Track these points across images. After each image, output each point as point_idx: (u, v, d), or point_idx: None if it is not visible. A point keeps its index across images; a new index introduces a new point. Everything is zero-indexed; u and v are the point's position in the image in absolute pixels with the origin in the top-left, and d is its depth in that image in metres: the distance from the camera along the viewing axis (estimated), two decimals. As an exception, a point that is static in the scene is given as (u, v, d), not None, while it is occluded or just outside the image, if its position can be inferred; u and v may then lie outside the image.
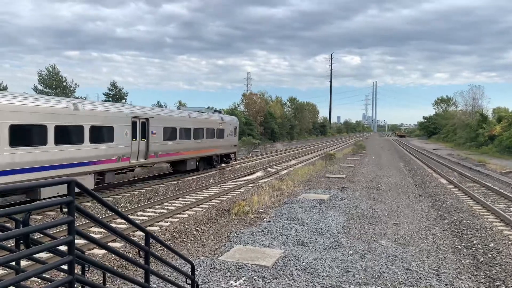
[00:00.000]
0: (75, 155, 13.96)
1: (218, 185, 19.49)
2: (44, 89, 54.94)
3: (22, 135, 12.02)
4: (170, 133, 19.94)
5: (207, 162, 24.99)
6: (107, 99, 63.06)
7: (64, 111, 13.60)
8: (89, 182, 14.57)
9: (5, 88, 49.60)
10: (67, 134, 13.70)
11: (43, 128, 12.68)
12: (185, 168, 22.11)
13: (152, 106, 26.49)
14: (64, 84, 56.70)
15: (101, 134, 15.25)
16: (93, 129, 14.76)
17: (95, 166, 15.00)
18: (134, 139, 17.13)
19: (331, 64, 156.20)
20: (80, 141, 14.22)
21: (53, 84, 55.16)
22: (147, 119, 18.10)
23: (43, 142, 12.71)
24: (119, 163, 16.35)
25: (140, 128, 17.60)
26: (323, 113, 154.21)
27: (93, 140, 14.77)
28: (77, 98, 44.46)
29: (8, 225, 3.45)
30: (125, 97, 67.13)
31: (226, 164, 27.96)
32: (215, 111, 30.17)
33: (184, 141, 21.23)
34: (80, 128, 14.21)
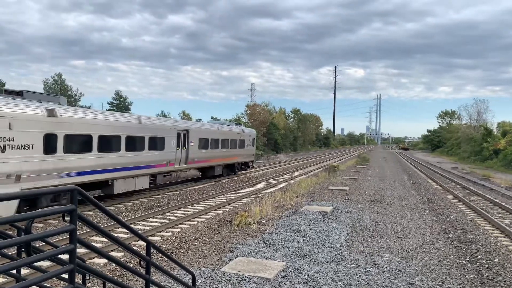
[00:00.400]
0: (138, 160, 17.20)
1: (221, 196, 19.44)
2: None
3: (105, 143, 15.29)
4: (203, 143, 23.40)
5: (230, 169, 28.22)
6: (111, 108, 63.42)
7: (132, 125, 17.02)
8: (145, 182, 17.94)
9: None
10: (134, 143, 17.01)
11: (118, 138, 16.08)
12: (213, 174, 25.34)
13: (186, 120, 31.10)
14: (69, 93, 57.16)
15: (156, 143, 18.55)
16: (151, 139, 18.11)
17: (151, 169, 18.31)
18: (177, 148, 20.39)
19: (335, 76, 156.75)
20: (142, 148, 17.51)
21: (59, 92, 55.64)
22: (187, 131, 21.52)
23: (118, 149, 16.05)
24: (167, 167, 19.63)
25: (182, 138, 20.91)
26: (326, 125, 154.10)
27: (151, 148, 18.09)
28: (84, 107, 44.90)
29: (10, 232, 3.44)
30: (129, 107, 67.51)
31: (243, 172, 31.10)
32: (236, 124, 33.41)
33: (213, 150, 24.66)
34: (142, 138, 17.54)
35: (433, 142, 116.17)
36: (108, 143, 15.45)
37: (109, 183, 15.74)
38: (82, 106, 48.46)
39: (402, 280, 7.93)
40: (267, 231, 11.75)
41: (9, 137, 11.47)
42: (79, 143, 14.13)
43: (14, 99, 12.48)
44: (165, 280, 7.16)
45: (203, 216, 14.59)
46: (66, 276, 3.03)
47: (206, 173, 25.53)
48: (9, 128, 11.46)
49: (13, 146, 11.62)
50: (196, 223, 13.33)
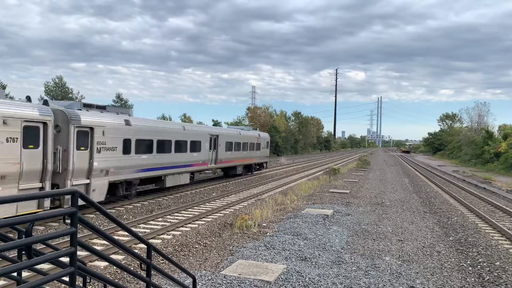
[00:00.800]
0: (183, 160, 20.99)
1: (221, 199, 19.44)
2: (50, 100, 55.39)
3: (161, 146, 18.84)
4: (229, 146, 26.91)
5: (247, 169, 31.67)
6: (112, 111, 63.36)
7: (178, 131, 20.91)
8: (186, 179, 21.89)
9: (11, 99, 50.03)
10: (180, 146, 20.63)
11: (169, 142, 19.71)
12: (234, 172, 29.15)
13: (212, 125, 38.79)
14: (70, 95, 57.27)
15: (195, 146, 22.26)
16: (192, 142, 21.83)
17: (191, 167, 22.20)
18: (210, 150, 24.12)
19: (336, 79, 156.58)
20: (185, 150, 21.25)
21: (59, 95, 55.74)
22: (217, 136, 25.20)
23: (169, 151, 19.71)
24: (202, 166, 23.56)
25: (213, 142, 24.58)
26: (327, 127, 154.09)
27: (191, 150, 21.77)
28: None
29: (10, 235, 3.45)
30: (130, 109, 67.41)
31: (258, 172, 34.55)
32: (253, 129, 37.26)
33: (236, 152, 28.41)
34: (185, 142, 21.28)
35: (434, 145, 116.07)
36: (162, 146, 19.08)
37: (162, 178, 19.47)
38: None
39: (403, 283, 7.92)
40: (268, 234, 11.74)
41: (103, 142, 14.85)
42: (144, 146, 17.70)
43: (102, 112, 15.47)
44: (166, 283, 7.16)
45: (204, 218, 14.58)
46: (66, 279, 3.04)
47: (229, 172, 29.17)
48: (103, 134, 14.79)
49: (105, 148, 14.98)
50: (196, 226, 13.33)
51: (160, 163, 18.79)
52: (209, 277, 7.65)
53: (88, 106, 15.05)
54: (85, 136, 14.10)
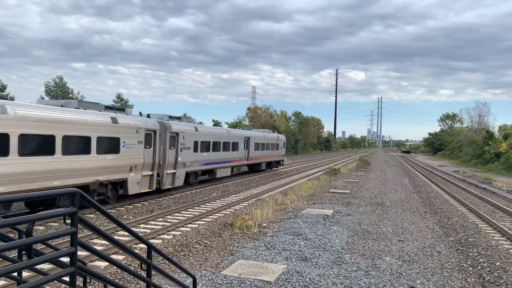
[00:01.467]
0: (227, 157, 27.16)
1: (222, 199, 19.44)
2: (51, 100, 55.45)
3: (214, 146, 24.85)
4: (256, 146, 33.06)
5: (268, 166, 37.55)
6: (113, 111, 63.43)
7: (225, 134, 27.19)
8: (228, 172, 28.02)
9: (12, 99, 50.12)
10: (226, 146, 26.82)
11: (219, 143, 25.76)
12: (259, 168, 35.18)
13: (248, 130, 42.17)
14: (71, 95, 57.27)
15: (235, 146, 28.39)
16: (233, 143, 28.02)
17: (231, 163, 28.35)
18: (243, 149, 30.30)
19: (336, 79, 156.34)
20: (229, 149, 27.32)
21: (60, 95, 55.74)
22: (249, 138, 31.19)
23: (219, 149, 25.76)
24: (239, 162, 29.93)
25: (246, 143, 30.68)
26: (327, 127, 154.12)
27: (233, 149, 28.00)
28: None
29: (11, 235, 3.45)
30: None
31: (276, 168, 40.08)
32: (273, 131, 43.62)
33: (262, 151, 34.50)
34: (229, 143, 27.34)
35: (434, 145, 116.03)
36: (215, 146, 25.09)
37: (214, 171, 25.63)
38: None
39: (403, 283, 7.92)
40: (268, 234, 11.74)
41: (183, 143, 20.71)
42: (205, 146, 23.71)
43: (180, 121, 21.82)
44: (166, 283, 7.16)
45: (204, 219, 14.58)
46: (67, 279, 3.04)
47: (254, 168, 35.04)
48: (183, 138, 20.69)
49: (184, 148, 20.92)
50: (197, 226, 13.33)
51: (214, 159, 25.06)
52: (210, 277, 7.65)
53: (171, 118, 21.11)
54: (174, 139, 20.08)
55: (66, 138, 13.25)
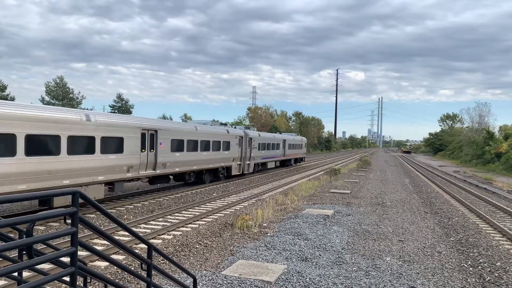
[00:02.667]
0: (274, 153, 37.89)
1: (222, 199, 19.44)
2: (51, 100, 55.49)
3: (268, 146, 36.07)
4: (288, 146, 43.78)
5: (295, 162, 47.88)
6: (113, 111, 63.55)
7: (272, 138, 38.20)
8: (272, 165, 38.52)
9: (12, 99, 50.14)
10: (273, 146, 37.33)
11: (270, 144, 36.23)
12: (289, 164, 45.76)
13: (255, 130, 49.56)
14: (71, 95, 57.24)
15: (278, 146, 39.38)
16: (277, 144, 39.00)
17: (275, 158, 39.25)
18: (283, 148, 41.57)
19: (337, 79, 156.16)
20: (274, 149, 37.95)
21: (60, 95, 55.72)
22: (285, 140, 42.22)
23: (269, 148, 36.17)
24: (279, 157, 40.55)
25: (284, 143, 41.82)
26: (328, 128, 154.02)
27: (276, 148, 38.98)
28: (86, 109, 45.49)
29: (11, 235, 3.45)
30: (131, 110, 67.64)
31: (299, 163, 50.70)
32: (298, 135, 56.40)
33: (292, 150, 45.29)
34: (275, 144, 38.06)
35: (434, 145, 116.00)
36: (268, 146, 36.00)
37: (266, 164, 36.30)
38: (84, 109, 48.61)
39: (404, 283, 7.91)
40: (269, 234, 11.74)
41: (253, 144, 31.45)
42: (263, 146, 34.38)
43: (248, 129, 33.51)
44: (167, 283, 7.16)
45: (204, 219, 14.58)
46: (67, 278, 3.04)
47: (285, 163, 44.83)
48: (253, 141, 31.61)
49: (254, 147, 31.65)
50: (197, 226, 13.33)
51: (267, 155, 35.88)
52: (210, 277, 7.65)
53: (246, 128, 33.02)
54: (250, 142, 30.79)
55: (203, 142, 23.35)
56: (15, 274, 3.37)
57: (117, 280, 7.50)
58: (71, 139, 13.77)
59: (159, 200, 18.35)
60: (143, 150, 17.74)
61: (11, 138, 11.78)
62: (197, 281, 6.46)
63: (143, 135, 17.69)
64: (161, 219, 14.24)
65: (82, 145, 14.38)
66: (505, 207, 18.96)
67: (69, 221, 2.93)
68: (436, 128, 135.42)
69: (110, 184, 16.32)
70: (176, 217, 14.66)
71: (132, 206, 16.51)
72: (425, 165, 58.82)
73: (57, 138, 13.28)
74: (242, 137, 29.46)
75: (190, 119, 66.23)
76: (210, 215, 15.23)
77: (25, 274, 6.21)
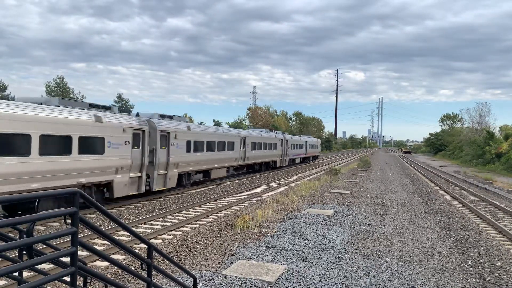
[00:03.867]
0: (300, 151, 49.30)
1: (222, 199, 19.44)
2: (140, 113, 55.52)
3: (295, 147, 45.85)
4: (309, 146, 53.56)
5: (313, 158, 58.88)
6: (113, 111, 63.47)
7: (299, 140, 49.38)
8: (298, 160, 49.17)
9: (12, 99, 50.13)
10: (300, 146, 49.06)
11: (300, 145, 49.05)
12: (309, 160, 56.10)
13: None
14: (71, 95, 57.27)
15: (302, 146, 50.13)
16: (302, 145, 49.80)
17: (302, 155, 50.30)
18: (304, 148, 50.72)
19: (337, 79, 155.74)
20: (301, 148, 49.78)
21: (60, 95, 55.72)
22: (306, 142, 52.02)
23: (300, 148, 49.06)
24: (303, 155, 50.92)
25: (306, 144, 50.95)
26: (328, 128, 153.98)
27: (301, 148, 49.51)
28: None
29: (11, 235, 3.45)
30: (131, 110, 67.67)
31: (314, 160, 60.63)
32: (314, 137, 66.88)
33: (310, 149, 54.41)
34: (301, 144, 49.44)
35: (435, 145, 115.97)
36: (295, 146, 45.36)
37: (294, 160, 46.10)
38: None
39: (404, 283, 7.91)
40: (269, 234, 11.74)
41: (275, 143, 38.91)
42: (294, 146, 45.00)
43: (283, 134, 43.28)
44: (167, 283, 7.16)
45: (204, 219, 14.58)
46: (67, 278, 3.04)
47: (306, 160, 54.44)
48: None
49: (289, 148, 43.95)
50: (197, 226, 13.33)
51: (295, 153, 45.77)
52: (210, 277, 7.65)
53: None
54: (286, 143, 39.60)
55: (265, 144, 33.18)
56: (16, 274, 3.37)
57: (117, 280, 7.50)
58: (218, 143, 24.49)
59: (159, 200, 18.35)
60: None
61: (202, 143, 21.69)
62: (197, 281, 6.46)
63: (240, 140, 29.66)
64: (161, 219, 14.24)
65: (222, 145, 24.83)
66: (505, 207, 18.95)
67: (69, 221, 2.93)
68: (436, 128, 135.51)
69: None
70: (176, 217, 14.66)
71: (132, 206, 16.51)
72: (425, 165, 58.81)
73: (213, 143, 23.08)
74: (282, 139, 40.34)
75: (191, 120, 66.50)
76: (210, 215, 15.23)
77: (26, 274, 6.21)
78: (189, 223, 13.72)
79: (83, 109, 14.90)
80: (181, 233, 12.27)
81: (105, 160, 15.19)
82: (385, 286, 7.69)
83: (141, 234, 11.35)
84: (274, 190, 23.43)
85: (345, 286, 7.58)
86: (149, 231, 12.33)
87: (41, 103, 13.55)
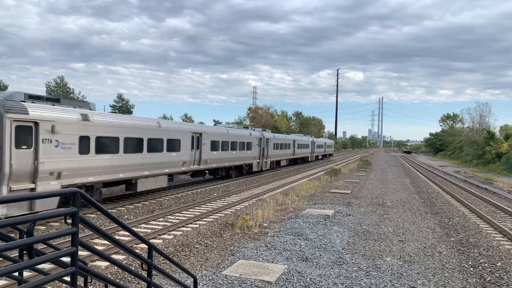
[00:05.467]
0: (319, 150, 63.08)
1: (222, 199, 19.44)
2: None
3: (299, 146, 48.48)
4: (321, 146, 64.75)
5: (329, 155, 73.69)
6: (113, 111, 63.55)
7: (319, 141, 64.54)
8: (319, 157, 64.64)
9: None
10: (319, 146, 63.13)
11: (307, 146, 53.88)
12: (322, 157, 65.73)
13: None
14: (72, 95, 57.23)
15: (322, 146, 64.96)
16: (321, 145, 64.41)
17: (320, 154, 65.18)
18: (310, 148, 56.23)
19: (337, 80, 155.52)
20: (321, 148, 64.17)
21: (61, 95, 55.69)
22: (325, 143, 68.21)
23: (320, 148, 63.42)
24: (323, 153, 67.49)
25: (325, 144, 67.82)
26: (328, 128, 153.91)
27: (321, 148, 64.55)
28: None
29: (12, 235, 3.45)
30: (131, 110, 67.66)
31: (328, 158, 72.63)
32: (329, 139, 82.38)
33: (327, 148, 69.50)
34: (321, 145, 64.80)
35: (435, 145, 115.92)
36: (320, 146, 63.03)
37: (318, 157, 62.32)
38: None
39: (404, 283, 7.91)
40: (269, 234, 11.74)
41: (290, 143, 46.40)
42: (320, 146, 64.61)
43: (299, 136, 54.09)
44: (167, 283, 7.16)
45: (205, 219, 14.59)
46: (68, 278, 3.04)
47: (319, 157, 63.44)
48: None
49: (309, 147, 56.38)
50: (198, 226, 13.33)
51: (319, 152, 61.94)
52: (210, 277, 7.65)
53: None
54: (313, 144, 58.85)
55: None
56: (16, 274, 3.37)
57: (117, 280, 7.50)
58: (149, 141, 17.96)
59: (159, 200, 18.35)
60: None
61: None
62: (198, 281, 6.46)
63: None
64: (161, 219, 14.25)
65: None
66: (505, 207, 18.94)
67: (69, 221, 2.93)
68: (437, 128, 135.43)
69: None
70: (177, 217, 14.67)
71: (132, 206, 16.52)
72: (426, 165, 58.79)
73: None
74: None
75: (191, 120, 66.36)
76: (210, 215, 15.23)
77: (26, 274, 6.22)
78: (189, 223, 13.73)
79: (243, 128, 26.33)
80: (181, 233, 12.27)
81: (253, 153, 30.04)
82: (385, 286, 7.69)
83: (141, 234, 11.36)
84: (275, 190, 23.43)
85: (345, 286, 7.58)
86: (149, 231, 12.33)
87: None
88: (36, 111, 12.49)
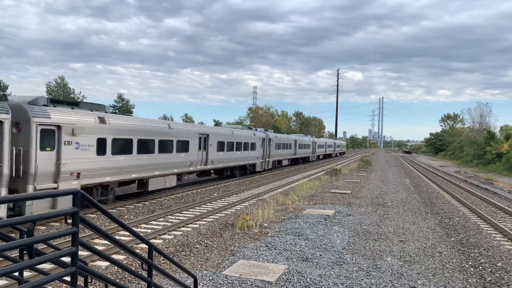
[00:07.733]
0: (331, 149, 77.47)
1: (223, 199, 19.44)
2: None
3: (300, 146, 48.93)
4: (336, 147, 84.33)
5: (340, 154, 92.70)
6: (114, 111, 63.53)
7: (331, 142, 79.44)
8: (335, 154, 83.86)
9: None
10: (330, 146, 76.42)
11: (308, 146, 54.80)
12: (335, 156, 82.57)
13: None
14: (72, 95, 57.25)
15: (332, 147, 78.78)
16: (331, 145, 78.29)
17: (330, 152, 78.52)
18: (333, 147, 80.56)
19: (338, 80, 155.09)
20: (332, 147, 78.82)
21: (61, 95, 55.72)
22: (335, 143, 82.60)
23: (330, 147, 77.93)
24: (333, 152, 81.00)
25: (334, 145, 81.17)
26: (328, 128, 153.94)
27: (330, 147, 77.38)
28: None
29: (12, 235, 3.46)
30: (131, 110, 67.69)
31: (339, 156, 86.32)
32: (339, 139, 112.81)
33: (337, 148, 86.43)
34: (331, 145, 78.59)
35: (435, 145, 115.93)
36: (330, 146, 75.59)
37: (309, 158, 55.87)
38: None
39: (404, 284, 7.91)
40: (269, 234, 11.74)
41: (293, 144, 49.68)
42: (325, 146, 71.80)
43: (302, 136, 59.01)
44: (167, 283, 7.16)
45: (205, 219, 14.59)
46: (68, 278, 3.04)
47: (329, 156, 74.25)
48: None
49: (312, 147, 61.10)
50: (198, 226, 13.33)
51: (328, 151, 73.33)
52: (210, 277, 7.65)
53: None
54: (331, 145, 79.90)
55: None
56: (16, 274, 3.37)
57: (117, 280, 7.50)
58: (160, 142, 18.40)
59: (159, 200, 18.35)
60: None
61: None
62: (198, 281, 6.46)
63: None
64: (161, 219, 14.25)
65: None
66: (506, 207, 18.94)
67: (69, 221, 2.93)
68: (437, 128, 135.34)
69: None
70: (177, 217, 14.67)
71: (133, 206, 16.52)
72: (426, 165, 58.77)
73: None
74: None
75: (191, 120, 66.40)
76: (210, 215, 15.23)
77: (26, 274, 6.22)
78: (190, 223, 13.73)
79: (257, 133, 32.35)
80: (181, 233, 12.28)
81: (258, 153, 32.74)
82: (385, 286, 7.69)
83: (141, 234, 11.36)
84: (275, 190, 23.43)
85: (346, 286, 7.57)
86: (149, 231, 12.34)
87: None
88: (58, 115, 13.21)
